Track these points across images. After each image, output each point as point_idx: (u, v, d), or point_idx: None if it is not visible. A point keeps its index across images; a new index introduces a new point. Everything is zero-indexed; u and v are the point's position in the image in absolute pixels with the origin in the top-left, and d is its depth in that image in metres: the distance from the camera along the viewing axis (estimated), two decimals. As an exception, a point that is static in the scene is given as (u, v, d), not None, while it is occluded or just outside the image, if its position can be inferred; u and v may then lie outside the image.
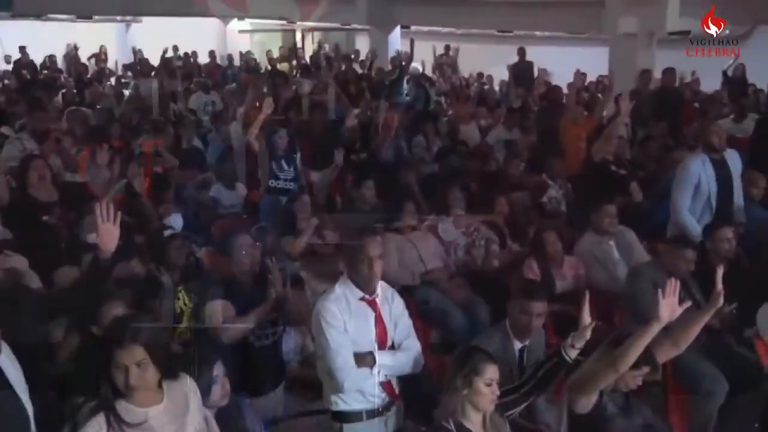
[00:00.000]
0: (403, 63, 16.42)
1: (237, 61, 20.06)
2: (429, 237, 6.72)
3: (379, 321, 3.89)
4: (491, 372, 3.41)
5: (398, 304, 4.01)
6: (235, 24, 21.53)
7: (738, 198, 6.53)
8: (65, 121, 11.29)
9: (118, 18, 21.23)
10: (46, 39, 19.28)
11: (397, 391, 3.99)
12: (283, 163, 8.10)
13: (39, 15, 18.96)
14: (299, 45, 23.29)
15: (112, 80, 18.77)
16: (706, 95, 15.14)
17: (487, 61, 16.85)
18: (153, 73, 18.12)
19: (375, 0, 15.87)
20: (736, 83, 14.30)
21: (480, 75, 17.46)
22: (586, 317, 3.57)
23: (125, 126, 11.77)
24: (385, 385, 3.90)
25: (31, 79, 17.14)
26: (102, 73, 19.50)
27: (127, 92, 16.43)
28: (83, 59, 20.00)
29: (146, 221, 7.20)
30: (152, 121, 12.03)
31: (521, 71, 15.82)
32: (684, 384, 5.00)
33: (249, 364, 4.29)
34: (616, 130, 7.33)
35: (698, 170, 6.31)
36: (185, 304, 5.04)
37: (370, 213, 7.56)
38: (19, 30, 18.55)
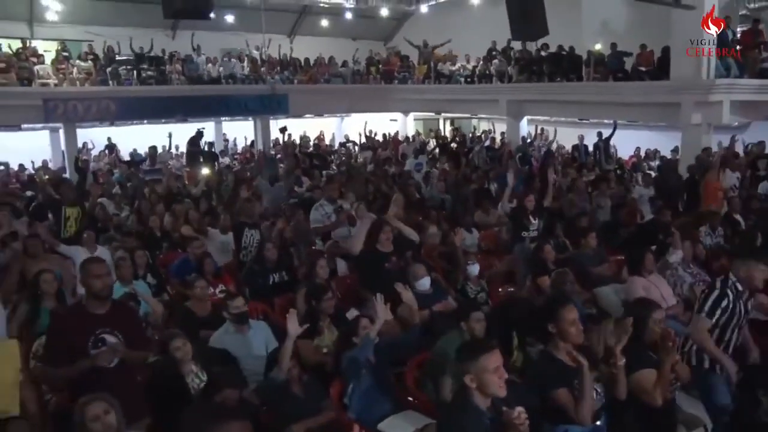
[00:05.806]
0: (529, 141, 15.04)
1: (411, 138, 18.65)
2: (663, 279, 5.18)
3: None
4: None
5: None
6: (412, 115, 20.35)
7: None
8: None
9: (338, 114, 20.79)
10: (300, 128, 19.14)
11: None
12: (531, 217, 6.64)
13: (300, 115, 18.88)
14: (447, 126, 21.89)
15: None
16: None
17: (574, 138, 14.93)
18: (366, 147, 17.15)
19: (511, 101, 14.55)
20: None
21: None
22: None
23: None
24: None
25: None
26: (325, 149, 18.44)
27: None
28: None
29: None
30: (386, 180, 10.86)
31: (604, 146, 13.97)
32: None
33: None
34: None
35: None
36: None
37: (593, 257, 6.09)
38: (291, 123, 18.34)
